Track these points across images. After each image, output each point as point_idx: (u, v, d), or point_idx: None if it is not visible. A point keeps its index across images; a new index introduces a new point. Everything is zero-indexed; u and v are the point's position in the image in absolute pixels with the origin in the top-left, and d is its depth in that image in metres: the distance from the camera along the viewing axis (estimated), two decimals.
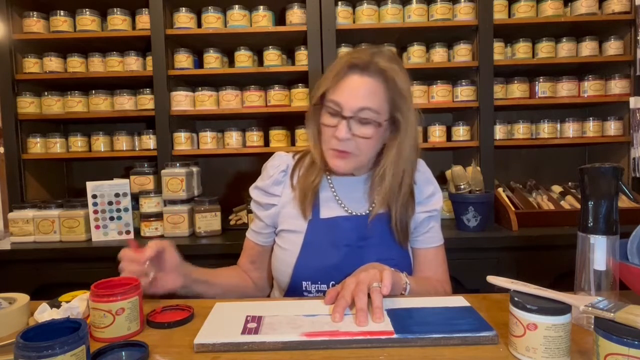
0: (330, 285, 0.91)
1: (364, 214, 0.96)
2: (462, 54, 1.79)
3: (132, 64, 1.79)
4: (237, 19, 1.75)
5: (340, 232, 0.93)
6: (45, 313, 0.75)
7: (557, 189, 1.89)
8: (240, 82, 1.84)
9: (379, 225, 0.95)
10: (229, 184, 2.11)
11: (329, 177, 0.99)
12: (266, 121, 2.01)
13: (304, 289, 0.93)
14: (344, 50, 1.78)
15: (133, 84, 1.83)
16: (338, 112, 0.86)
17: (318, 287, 0.92)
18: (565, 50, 1.79)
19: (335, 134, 0.86)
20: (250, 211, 1.69)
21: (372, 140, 0.89)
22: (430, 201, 0.99)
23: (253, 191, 1.02)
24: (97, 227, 1.63)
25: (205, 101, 1.80)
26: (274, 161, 1.02)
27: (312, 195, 0.95)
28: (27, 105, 1.78)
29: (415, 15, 1.74)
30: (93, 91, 1.80)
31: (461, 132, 1.84)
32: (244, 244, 1.06)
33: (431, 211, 0.98)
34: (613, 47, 1.78)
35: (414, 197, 0.96)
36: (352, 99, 0.85)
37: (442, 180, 1.91)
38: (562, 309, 0.57)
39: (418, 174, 0.99)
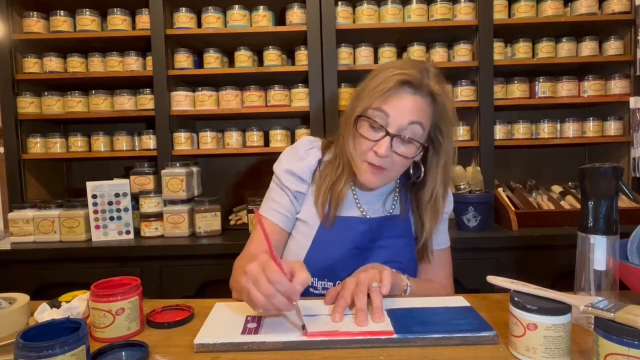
0: (336, 284, 0.91)
1: (379, 216, 0.95)
2: (462, 54, 1.79)
3: (132, 64, 1.79)
4: (237, 19, 1.75)
5: (352, 233, 0.93)
6: (45, 313, 0.75)
7: (557, 189, 1.89)
8: (240, 82, 1.84)
9: (392, 227, 0.95)
10: (229, 184, 2.11)
11: (352, 182, 0.96)
12: (266, 121, 2.01)
13: (310, 284, 0.92)
14: (344, 50, 1.78)
15: (133, 84, 1.83)
16: (382, 127, 0.83)
17: (325, 284, 0.92)
18: (565, 50, 1.79)
19: (375, 149, 0.83)
20: (250, 211, 1.70)
21: (409, 160, 0.87)
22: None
23: (284, 175, 0.95)
24: (97, 227, 1.63)
25: (205, 101, 1.80)
26: (305, 144, 0.97)
27: (335, 204, 0.92)
28: (27, 105, 1.78)
29: (415, 15, 1.74)
30: (93, 91, 1.80)
31: (461, 132, 1.84)
32: (259, 227, 0.94)
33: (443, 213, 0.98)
34: (613, 47, 1.78)
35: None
36: (400, 117, 0.82)
37: None
38: (562, 309, 0.57)
39: None
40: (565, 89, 1.82)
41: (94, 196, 1.63)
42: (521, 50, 1.81)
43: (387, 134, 0.82)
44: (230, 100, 1.80)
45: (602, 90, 1.82)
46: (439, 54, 1.81)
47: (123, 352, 0.65)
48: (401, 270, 0.87)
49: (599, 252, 0.69)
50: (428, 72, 0.84)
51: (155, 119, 1.77)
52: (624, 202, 1.64)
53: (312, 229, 0.94)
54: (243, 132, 1.85)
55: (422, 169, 0.91)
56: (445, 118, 0.87)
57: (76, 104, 1.80)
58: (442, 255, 1.00)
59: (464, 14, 1.74)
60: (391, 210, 0.97)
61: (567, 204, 1.73)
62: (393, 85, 0.81)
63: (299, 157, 0.96)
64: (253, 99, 1.80)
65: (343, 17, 1.75)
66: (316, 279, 0.92)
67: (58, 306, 0.77)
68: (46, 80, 1.84)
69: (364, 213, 0.95)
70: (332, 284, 0.91)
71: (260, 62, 1.88)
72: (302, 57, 1.79)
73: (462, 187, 1.65)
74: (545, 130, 1.84)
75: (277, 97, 1.80)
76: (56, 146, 1.81)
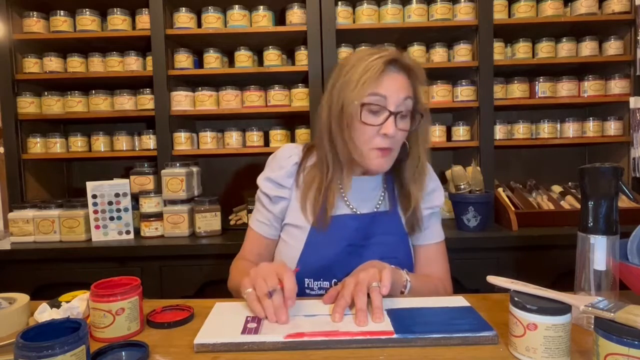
0: (333, 283, 0.91)
1: (369, 212, 0.96)
2: (462, 54, 1.79)
3: (132, 64, 1.79)
4: (237, 19, 1.75)
5: (344, 231, 0.93)
6: (45, 313, 0.75)
7: (557, 189, 1.89)
8: (240, 82, 1.84)
9: (383, 223, 0.96)
10: (229, 184, 2.11)
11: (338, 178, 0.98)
12: (266, 121, 2.01)
13: (306, 285, 0.93)
14: (344, 50, 1.78)
15: (133, 84, 1.83)
16: (382, 107, 0.86)
17: (320, 284, 0.92)
18: (565, 50, 1.79)
19: (383, 131, 0.86)
20: (250, 211, 1.70)
21: (406, 134, 0.91)
22: (432, 197, 1.00)
23: (263, 183, 0.99)
24: (97, 227, 1.63)
25: (205, 101, 1.80)
26: (285, 152, 1.00)
27: (331, 207, 0.93)
28: (27, 105, 1.78)
29: (415, 15, 1.74)
30: (93, 91, 1.80)
31: (461, 132, 1.84)
32: (247, 234, 1.03)
33: (432, 207, 0.99)
34: (613, 47, 1.78)
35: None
36: (396, 94, 0.86)
37: (442, 180, 1.91)
38: (562, 309, 0.57)
39: None
40: (565, 89, 1.82)
41: (94, 196, 1.62)
42: (521, 50, 1.81)
43: (391, 113, 0.86)
44: (230, 100, 1.80)
45: (602, 90, 1.82)
46: (439, 54, 1.81)
47: (123, 352, 0.65)
48: (398, 266, 0.88)
49: (599, 252, 0.69)
50: (402, 52, 0.91)
51: (155, 119, 1.77)
52: (624, 202, 1.64)
53: (304, 231, 0.95)
54: (243, 132, 1.85)
55: (407, 145, 0.94)
56: (420, 86, 0.92)
57: (76, 104, 1.80)
58: (438, 249, 1.01)
59: (464, 14, 1.74)
60: (378, 206, 0.97)
61: (567, 204, 1.73)
62: (380, 67, 0.85)
63: (279, 165, 0.99)
64: (253, 99, 1.80)
65: (343, 17, 1.75)
66: (312, 279, 0.92)
67: (58, 306, 0.77)
68: (46, 80, 1.84)
69: (354, 210, 0.96)
70: (328, 283, 0.92)
71: (260, 62, 1.88)
72: (302, 57, 1.79)
73: (462, 187, 1.65)
74: (545, 130, 1.84)
75: (277, 97, 1.80)
76: (56, 146, 1.80)
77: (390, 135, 0.86)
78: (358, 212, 0.96)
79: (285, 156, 0.99)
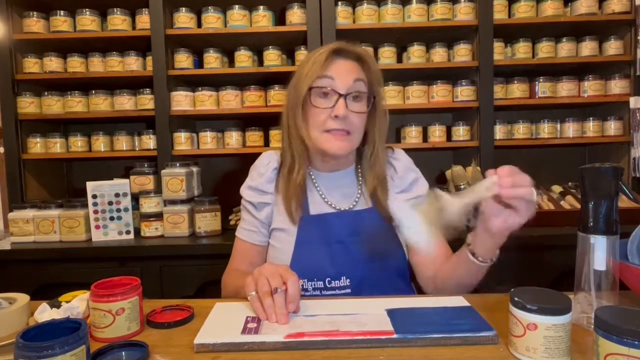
0: (326, 282, 0.91)
1: (348, 209, 0.98)
2: (462, 54, 1.79)
3: (132, 64, 1.79)
4: (237, 19, 1.75)
5: (330, 229, 0.95)
6: (45, 313, 0.75)
7: (557, 189, 1.88)
8: (240, 82, 1.84)
9: (367, 219, 0.97)
10: (229, 184, 2.11)
11: (312, 175, 1.00)
12: (266, 121, 2.01)
13: (300, 286, 0.93)
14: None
15: (133, 84, 1.83)
16: (332, 90, 0.89)
17: (314, 284, 0.92)
18: (565, 50, 1.79)
19: (334, 113, 0.89)
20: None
21: (364, 116, 0.93)
22: (414, 188, 1.01)
23: (245, 191, 1.04)
24: (97, 227, 1.63)
25: (205, 101, 1.80)
26: (264, 159, 1.04)
27: (300, 197, 0.95)
28: (27, 105, 1.78)
29: (415, 15, 1.74)
30: (93, 91, 1.81)
31: (461, 132, 1.84)
32: (236, 246, 1.04)
33: (417, 197, 1.00)
34: (613, 47, 1.78)
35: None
36: (344, 77, 0.90)
37: (442, 180, 1.91)
38: (562, 309, 0.57)
39: (398, 163, 1.02)
40: (565, 89, 1.82)
41: (94, 196, 1.62)
42: (521, 50, 1.81)
43: (340, 95, 0.89)
44: (230, 100, 1.80)
45: (602, 90, 1.82)
46: (439, 54, 1.81)
47: (123, 352, 0.65)
48: (388, 259, 0.90)
49: (599, 252, 0.69)
50: (346, 42, 0.94)
51: (155, 119, 1.77)
52: (624, 202, 1.64)
53: (292, 234, 0.96)
54: (243, 132, 1.85)
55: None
56: (375, 79, 0.95)
57: (76, 104, 1.80)
58: None
59: (464, 14, 1.74)
60: (355, 202, 0.99)
61: (567, 204, 1.73)
62: (327, 55, 0.90)
63: (259, 173, 1.02)
64: (253, 99, 1.80)
65: (343, 17, 1.75)
66: (305, 280, 0.92)
67: (58, 306, 0.77)
68: (46, 80, 1.84)
69: (335, 207, 0.98)
70: (322, 282, 0.92)
71: (260, 62, 1.88)
72: (302, 57, 1.79)
73: (462, 187, 1.65)
74: (545, 130, 1.84)
75: (277, 97, 1.80)
76: (56, 146, 1.81)
77: (341, 117, 0.88)
78: (339, 209, 0.97)
79: (264, 163, 1.03)
